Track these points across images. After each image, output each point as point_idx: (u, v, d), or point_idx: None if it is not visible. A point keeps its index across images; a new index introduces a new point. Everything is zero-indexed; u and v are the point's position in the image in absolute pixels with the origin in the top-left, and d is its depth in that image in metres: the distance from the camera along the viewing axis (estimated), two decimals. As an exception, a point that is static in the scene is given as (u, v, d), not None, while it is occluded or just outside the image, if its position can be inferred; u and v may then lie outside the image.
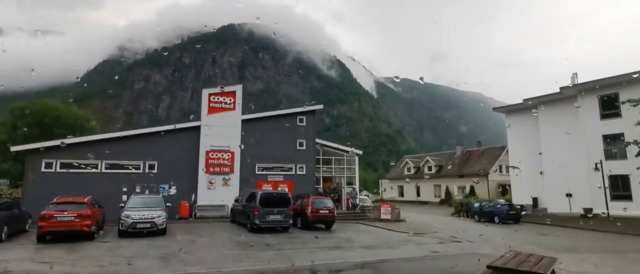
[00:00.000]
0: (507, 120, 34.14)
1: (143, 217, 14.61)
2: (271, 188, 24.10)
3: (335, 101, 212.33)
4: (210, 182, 22.50)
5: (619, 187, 25.44)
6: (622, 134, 25.27)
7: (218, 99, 23.43)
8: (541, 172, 30.41)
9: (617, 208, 24.89)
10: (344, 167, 27.77)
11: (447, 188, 48.46)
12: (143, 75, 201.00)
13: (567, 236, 19.24)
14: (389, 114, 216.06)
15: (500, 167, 45.31)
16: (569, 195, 28.29)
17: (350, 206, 26.17)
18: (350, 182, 28.32)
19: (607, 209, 24.37)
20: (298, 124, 25.58)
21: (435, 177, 51.36)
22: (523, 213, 30.20)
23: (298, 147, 25.23)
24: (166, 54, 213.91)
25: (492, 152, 47.74)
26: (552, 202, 29.50)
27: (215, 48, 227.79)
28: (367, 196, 65.52)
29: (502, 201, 29.27)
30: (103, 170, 20.60)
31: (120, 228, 14.57)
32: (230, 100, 23.77)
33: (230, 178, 23.06)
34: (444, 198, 48.11)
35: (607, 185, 25.53)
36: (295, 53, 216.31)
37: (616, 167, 25.25)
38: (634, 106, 21.22)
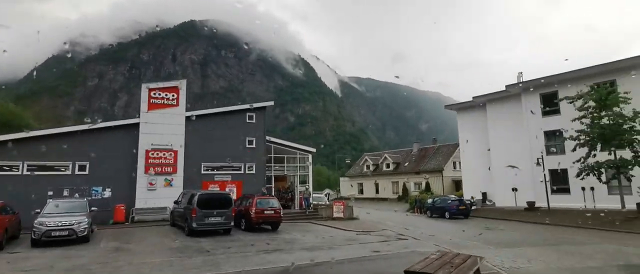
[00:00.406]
0: (459, 118, 34.78)
1: (59, 224, 13.04)
2: (218, 188, 22.89)
3: (300, 100, 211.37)
4: (150, 184, 20.92)
5: (559, 181, 26.44)
6: (561, 131, 26.29)
7: (159, 94, 21.86)
8: (489, 168, 31.16)
9: (557, 201, 25.86)
10: (297, 166, 26.98)
11: (404, 185, 48.99)
12: (97, 71, 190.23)
13: (510, 230, 19.54)
14: (353, 113, 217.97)
15: (454, 163, 46.35)
16: (514, 189, 29.13)
17: (304, 205, 25.41)
18: (303, 181, 27.58)
19: (548, 202, 25.22)
20: (247, 121, 24.47)
21: (393, 174, 51.82)
22: (473, 207, 30.82)
23: (247, 146, 24.14)
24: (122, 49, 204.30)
25: (447, 150, 48.79)
26: (499, 197, 30.31)
27: (176, 45, 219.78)
28: (328, 194, 65.31)
29: (452, 196, 29.67)
30: (25, 172, 18.51)
31: (33, 236, 12.93)
32: (173, 96, 22.28)
33: (173, 179, 21.59)
34: (401, 195, 48.59)
35: (548, 179, 26.45)
36: (258, 51, 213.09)
37: (556, 162, 26.21)
38: (570, 102, 22.00)
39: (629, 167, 19.42)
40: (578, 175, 20.96)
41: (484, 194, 31.93)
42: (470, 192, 32.67)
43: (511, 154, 29.29)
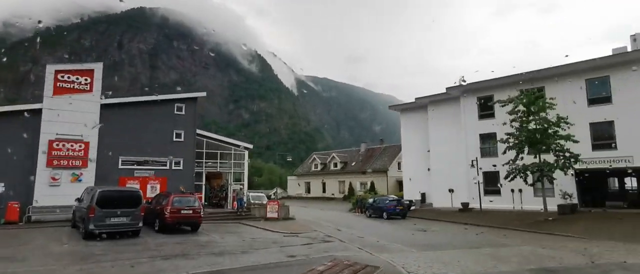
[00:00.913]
0: (402, 119, 34.90)
1: None
2: (139, 185, 20.76)
3: (255, 96, 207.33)
4: (53, 179, 18.37)
5: (492, 182, 27.09)
6: (495, 133, 26.97)
7: (68, 77, 19.31)
8: (429, 169, 31.45)
9: (490, 202, 26.46)
10: (231, 163, 25.37)
11: (350, 184, 48.76)
12: (30, 56, 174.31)
13: (441, 231, 19.40)
14: (309, 112, 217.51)
15: (399, 164, 46.82)
16: (451, 190, 29.54)
17: (237, 205, 23.78)
18: (238, 179, 26.03)
19: (480, 203, 25.71)
20: (176, 112, 22.48)
21: (340, 174, 51.48)
22: (412, 207, 30.90)
23: (174, 139, 22.16)
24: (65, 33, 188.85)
25: (393, 150, 49.24)
26: (437, 198, 30.65)
27: (123, 32, 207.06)
28: (276, 192, 63.79)
29: (391, 197, 29.52)
30: None
31: None
32: (86, 80, 19.80)
33: (82, 174, 19.16)
34: (347, 194, 48.28)
35: (481, 181, 27.01)
36: (213, 44, 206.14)
37: (490, 164, 26.82)
38: (502, 106, 22.43)
39: (551, 170, 20.03)
40: (506, 177, 21.38)
41: (423, 195, 32.20)
42: (410, 192, 32.84)
43: (450, 156, 29.71)
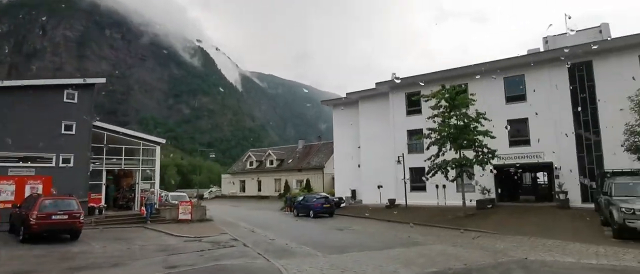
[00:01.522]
0: (334, 114, 34.02)
1: None
2: (14, 186, 17.44)
3: (197, 91, 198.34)
4: None
5: (418, 179, 27.00)
6: (422, 129, 26.88)
7: None
8: (359, 165, 30.84)
9: (416, 198, 26.31)
10: (140, 159, 22.57)
11: (286, 182, 47.21)
12: None
13: (361, 230, 18.47)
14: (254, 109, 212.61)
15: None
16: (380, 187, 29.10)
17: (146, 211, 20.75)
18: (148, 178, 23.29)
19: (406, 199, 25.44)
20: (66, 100, 19.23)
21: (276, 171, 49.76)
22: (342, 205, 30.07)
23: (64, 131, 18.96)
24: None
25: (330, 147, 48.40)
26: (367, 194, 30.10)
27: (46, 17, 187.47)
28: (211, 191, 60.45)
29: (318, 194, 28.45)
30: None
31: None
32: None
33: None
34: (283, 192, 46.69)
35: (408, 177, 26.80)
36: (151, 35, 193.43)
37: (416, 160, 26.68)
38: (426, 101, 22.15)
39: (471, 165, 20.03)
40: (428, 172, 21.10)
41: (354, 192, 31.57)
42: (341, 189, 32.06)
43: (379, 152, 29.27)
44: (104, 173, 21.34)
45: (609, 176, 16.33)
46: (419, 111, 27.21)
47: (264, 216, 28.15)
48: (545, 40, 26.08)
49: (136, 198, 22.54)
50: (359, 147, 30.71)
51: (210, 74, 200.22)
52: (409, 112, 28.01)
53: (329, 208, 25.72)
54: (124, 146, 21.97)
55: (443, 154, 20.90)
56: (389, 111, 28.85)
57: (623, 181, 14.10)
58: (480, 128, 20.21)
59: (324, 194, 29.28)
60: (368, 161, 29.98)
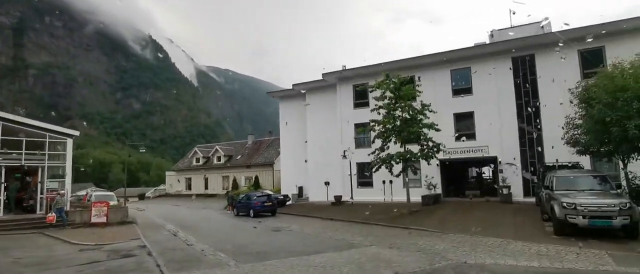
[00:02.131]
0: (281, 107, 32.04)
1: None
2: None
3: (148, 85, 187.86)
4: None
5: (364, 174, 25.75)
6: (369, 123, 25.64)
7: None
8: (306, 161, 29.14)
9: (362, 194, 25.04)
10: (46, 154, 19.28)
11: (234, 179, 44.61)
12: None
13: (298, 230, 16.69)
14: (210, 104, 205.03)
15: (286, 157, 44.26)
16: (327, 183, 27.59)
17: (55, 216, 17.52)
18: (56, 176, 20.04)
19: (352, 196, 24.07)
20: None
21: (224, 168, 46.94)
22: (288, 202, 28.23)
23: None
24: None
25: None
26: (314, 191, 28.47)
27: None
28: (154, 191, 56.21)
29: (259, 192, 26.44)
30: None
31: None
32: None
33: None
34: (231, 190, 44.07)
35: (355, 172, 25.47)
36: (97, 24, 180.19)
37: (364, 155, 25.41)
38: (371, 91, 20.82)
39: (415, 159, 18.93)
40: (372, 167, 19.76)
41: (300, 189, 29.84)
42: (288, 186, 30.21)
43: (326, 147, 27.73)
44: (2, 170, 17.89)
45: (548, 169, 15.79)
46: (367, 104, 25.89)
47: (201, 216, 25.66)
48: (491, 34, 25.75)
49: (39, 199, 19.23)
50: (306, 141, 29.00)
51: (163, 68, 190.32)
52: (356, 105, 26.66)
53: (270, 207, 23.78)
54: (24, 139, 18.59)
55: (388, 148, 19.67)
56: (336, 104, 27.34)
57: (564, 174, 13.41)
58: (425, 121, 19.14)
59: (267, 191, 27.29)
60: (315, 156, 28.36)
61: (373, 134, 20.61)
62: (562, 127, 16.34)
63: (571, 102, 16.51)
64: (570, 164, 16.47)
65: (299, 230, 16.64)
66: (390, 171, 19.58)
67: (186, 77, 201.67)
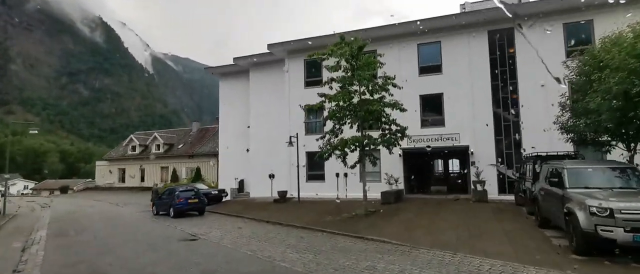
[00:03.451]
0: (222, 86, 26.62)
1: None
2: None
3: (98, 71, 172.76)
4: None
5: (316, 165, 21.20)
6: (322, 106, 21.09)
7: None
8: (248, 150, 24.11)
9: (313, 189, 20.48)
10: None
11: (174, 171, 38.54)
12: None
13: (215, 241, 11.80)
14: (166, 93, 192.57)
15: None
16: (271, 176, 22.75)
17: None
18: None
19: (299, 191, 19.44)
20: None
21: (164, 158, 40.62)
22: (224, 198, 23.09)
23: None
24: None
25: (230, 131, 40.86)
26: (256, 186, 23.50)
27: None
28: (86, 182, 48.50)
29: (185, 186, 21.14)
30: None
31: None
32: None
33: None
34: (157, 184, 37.94)
35: (304, 163, 20.84)
36: (39, 1, 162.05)
37: (314, 143, 20.86)
38: (321, 60, 16.23)
39: (374, 145, 14.60)
40: (320, 156, 15.18)
41: (241, 182, 24.78)
42: (227, 179, 25.02)
43: (272, 133, 22.89)
44: None
45: (540, 160, 12.03)
46: (320, 82, 21.30)
47: (108, 217, 19.95)
48: (463, 7, 22.01)
49: None
50: (249, 126, 23.93)
51: (115, 52, 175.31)
52: (308, 84, 21.96)
53: (196, 205, 18.62)
54: None
55: (341, 132, 15.19)
56: (284, 83, 22.50)
57: (577, 166, 9.52)
58: (388, 99, 14.82)
59: (194, 186, 22.04)
60: (259, 144, 23.40)
61: (325, 114, 16.02)
62: (559, 109, 12.67)
63: (562, 79, 12.87)
64: (567, 154, 12.85)
65: (217, 240, 11.74)
66: (344, 162, 15.13)
67: (141, 63, 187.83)
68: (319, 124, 21.20)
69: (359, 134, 14.77)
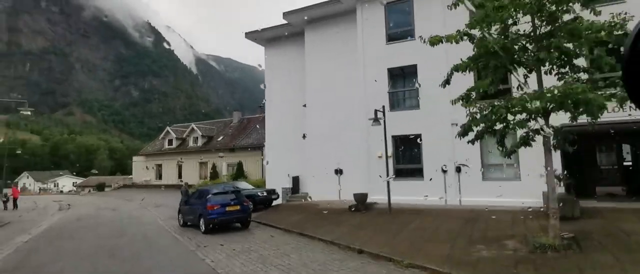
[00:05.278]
0: (267, 56, 19.94)
1: None
2: None
3: (146, 73, 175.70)
4: None
5: (409, 156, 14.00)
6: (415, 66, 13.84)
7: None
8: (304, 136, 17.29)
9: (406, 191, 13.22)
10: None
11: (214, 166, 32.87)
12: None
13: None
14: (209, 93, 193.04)
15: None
16: (339, 172, 15.81)
17: None
18: None
19: (389, 195, 12.26)
20: None
21: (202, 152, 35.12)
22: (274, 202, 16.51)
23: None
24: None
25: (274, 121, 34.57)
26: (315, 184, 16.58)
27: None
28: (127, 179, 44.57)
29: (221, 186, 14.70)
30: None
31: None
32: None
33: None
34: (209, 180, 32.36)
35: (391, 153, 13.64)
36: (94, 10, 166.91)
37: (403, 122, 13.65)
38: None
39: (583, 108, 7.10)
40: (464, 133, 7.78)
41: (296, 180, 18.01)
42: (275, 176, 18.39)
43: (339, 111, 15.96)
44: None
45: None
46: (409, 35, 14.05)
47: (118, 229, 13.95)
48: None
49: None
50: (305, 105, 17.09)
51: (162, 55, 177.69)
52: (391, 37, 14.73)
53: (237, 213, 12.06)
54: None
55: (498, 93, 7.86)
56: (355, 41, 15.40)
57: None
58: (596, 23, 7.11)
59: (234, 185, 15.59)
60: (319, 128, 16.52)
61: (440, 88, 8.47)
62: None
63: None
64: None
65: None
66: (501, 144, 7.79)
67: (185, 64, 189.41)
68: (412, 94, 13.98)
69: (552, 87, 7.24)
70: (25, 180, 67.23)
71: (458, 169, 12.75)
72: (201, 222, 11.92)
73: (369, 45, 14.89)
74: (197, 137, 35.61)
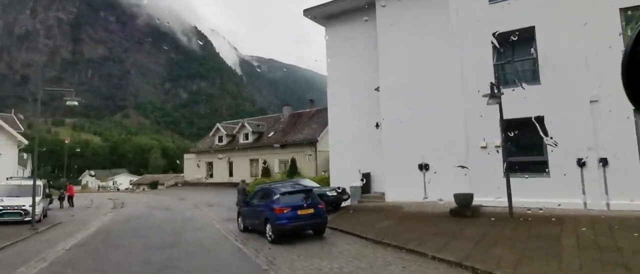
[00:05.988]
0: (329, 35, 17.44)
1: None
2: None
3: (194, 76, 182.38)
4: None
5: (526, 145, 10.81)
6: (533, 30, 10.64)
7: None
8: (377, 125, 14.57)
9: (520, 192, 10.05)
10: None
11: (265, 163, 31.21)
12: None
13: None
14: (254, 93, 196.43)
15: (334, 133, 29.97)
16: (423, 167, 12.97)
17: None
18: None
19: (509, 196, 9.20)
20: None
21: (253, 149, 33.69)
22: (344, 202, 14.02)
23: None
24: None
25: (326, 115, 32.20)
26: (394, 183, 13.77)
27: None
28: (180, 177, 44.66)
29: (289, 182, 12.41)
30: None
31: None
32: None
33: None
34: (260, 178, 30.74)
35: (500, 142, 10.53)
36: (146, 17, 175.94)
37: (514, 105, 10.48)
38: None
39: None
40: None
41: (367, 177, 15.29)
42: (340, 173, 15.85)
43: (422, 93, 13.10)
44: None
45: None
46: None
47: (173, 230, 12.18)
48: None
49: None
50: (378, 88, 14.34)
51: (208, 58, 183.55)
52: (495, -4, 11.56)
53: (312, 218, 9.67)
54: None
55: None
56: (444, 4, 12.40)
57: None
58: None
59: (305, 182, 13.29)
60: (396, 114, 13.69)
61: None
62: None
63: None
64: None
65: None
66: None
67: (230, 66, 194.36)
68: (526, 65, 10.78)
69: None
70: (88, 178, 71.16)
71: (604, 162, 9.39)
72: (268, 228, 9.69)
73: (467, 5, 11.84)
74: (248, 134, 34.24)
